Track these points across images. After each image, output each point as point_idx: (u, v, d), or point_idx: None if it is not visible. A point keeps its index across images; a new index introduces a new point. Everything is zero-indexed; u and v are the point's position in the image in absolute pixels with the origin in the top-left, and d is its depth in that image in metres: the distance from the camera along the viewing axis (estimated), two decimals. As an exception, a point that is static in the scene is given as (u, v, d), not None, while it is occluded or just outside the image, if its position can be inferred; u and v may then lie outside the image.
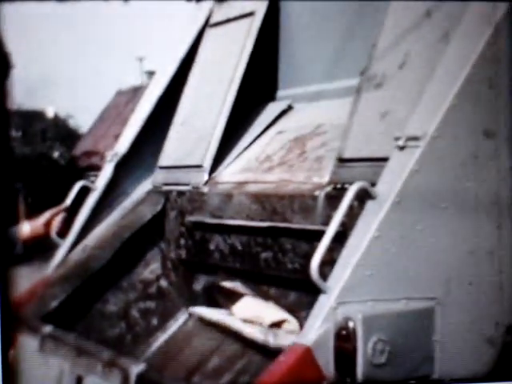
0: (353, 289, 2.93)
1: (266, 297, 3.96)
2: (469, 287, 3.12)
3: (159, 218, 4.62)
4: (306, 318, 3.03)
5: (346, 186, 3.22)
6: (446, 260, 3.09)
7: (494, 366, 3.14)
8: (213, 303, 4.30)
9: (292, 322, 3.65)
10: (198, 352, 4.08)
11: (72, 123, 28.61)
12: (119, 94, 25.68)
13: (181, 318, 4.51)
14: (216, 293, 4.30)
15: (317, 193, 3.55)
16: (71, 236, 4.64)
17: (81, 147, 24.17)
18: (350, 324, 2.89)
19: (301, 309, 3.65)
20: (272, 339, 3.53)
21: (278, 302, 3.87)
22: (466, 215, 3.11)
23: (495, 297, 3.17)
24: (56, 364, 3.86)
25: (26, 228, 4.33)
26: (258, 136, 4.44)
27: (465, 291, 3.11)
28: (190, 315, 4.44)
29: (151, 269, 4.66)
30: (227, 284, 4.18)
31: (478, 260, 3.14)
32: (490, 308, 3.16)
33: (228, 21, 4.75)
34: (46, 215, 4.42)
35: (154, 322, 4.57)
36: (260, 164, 4.20)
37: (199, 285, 4.47)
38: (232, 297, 4.14)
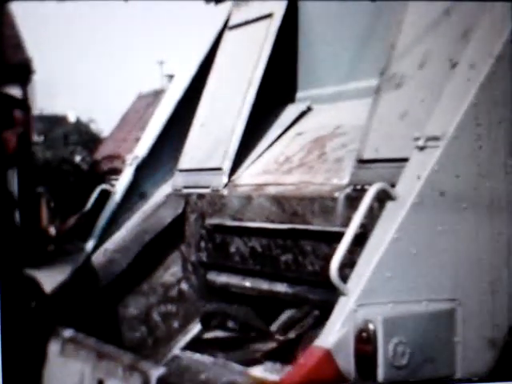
0: (373, 291, 2.91)
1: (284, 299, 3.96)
2: (488, 288, 3.09)
3: (179, 221, 4.62)
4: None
5: (366, 187, 3.20)
6: (466, 261, 3.06)
7: (500, 365, 3.12)
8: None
9: None
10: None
11: (94, 127, 28.74)
12: (140, 97, 25.76)
13: (202, 321, 4.50)
14: None
15: (336, 194, 3.53)
16: (92, 240, 4.65)
17: (102, 151, 24.25)
18: (371, 326, 2.87)
19: (320, 311, 3.64)
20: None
21: (297, 304, 3.87)
22: (486, 216, 3.08)
23: (507, 298, 3.14)
24: (77, 368, 3.86)
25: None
26: (278, 138, 4.43)
27: (485, 292, 3.08)
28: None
29: (172, 272, 4.66)
30: (209, 335, 4.15)
31: (497, 260, 3.11)
32: (502, 309, 3.13)
33: (247, 23, 4.74)
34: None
35: (175, 325, 4.56)
36: (279, 166, 4.18)
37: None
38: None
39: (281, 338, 3.82)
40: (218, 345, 4.08)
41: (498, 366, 3.09)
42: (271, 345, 3.85)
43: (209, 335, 4.24)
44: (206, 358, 4.08)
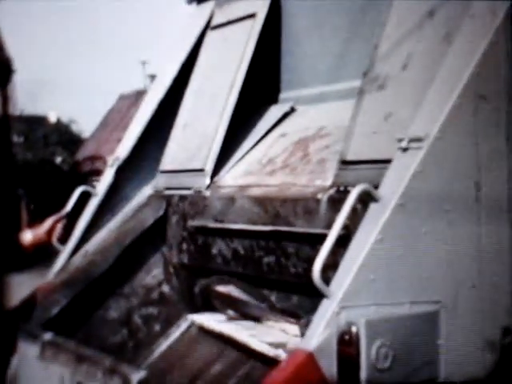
0: (356, 293, 2.89)
1: (267, 301, 3.94)
2: (473, 290, 3.08)
3: (161, 222, 4.59)
4: (307, 323, 2.99)
5: (349, 188, 3.18)
6: (450, 263, 3.05)
7: (493, 369, 3.10)
8: (209, 307, 4.27)
9: None
10: (199, 359, 4.05)
11: (75, 128, 28.61)
12: (122, 98, 25.64)
13: (183, 324, 4.48)
14: (212, 297, 4.27)
15: (320, 196, 3.51)
16: (72, 242, 4.61)
17: (84, 152, 24.15)
18: (353, 329, 2.85)
19: (303, 314, 3.62)
20: (272, 350, 3.50)
21: (280, 306, 3.85)
22: (470, 217, 3.07)
23: (497, 299, 3.13)
24: (56, 371, 3.83)
25: (29, 236, 4.32)
26: (261, 139, 4.41)
27: (469, 294, 3.07)
28: (192, 323, 4.41)
29: (153, 274, 4.63)
30: (221, 288, 4.16)
31: (482, 262, 3.10)
32: (492, 310, 3.12)
33: (229, 23, 4.71)
34: (48, 222, 4.40)
35: (156, 328, 4.54)
36: (262, 167, 4.16)
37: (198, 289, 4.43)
38: (227, 301, 4.12)
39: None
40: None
41: (495, 368, 3.07)
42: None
43: (221, 289, 4.19)
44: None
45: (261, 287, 3.98)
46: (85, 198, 4.69)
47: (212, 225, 4.18)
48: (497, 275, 3.12)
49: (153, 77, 21.82)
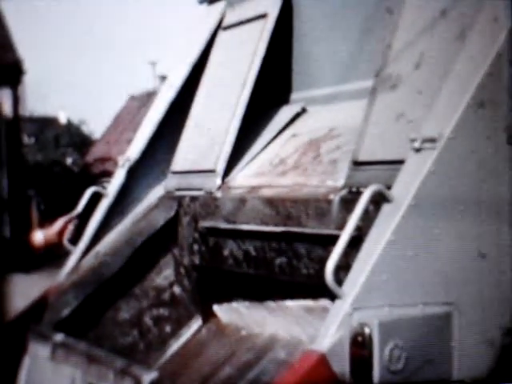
0: (368, 294, 2.88)
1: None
2: (480, 290, 3.06)
3: (172, 223, 4.58)
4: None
5: (362, 189, 3.16)
6: (463, 264, 3.03)
7: (495, 369, 3.09)
8: None
9: None
10: (211, 360, 4.04)
11: (85, 129, 28.72)
12: (132, 98, 25.74)
13: (194, 326, 4.47)
14: None
15: (331, 196, 3.50)
16: (83, 243, 4.61)
17: (94, 153, 24.25)
18: (366, 330, 2.84)
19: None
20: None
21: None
22: (484, 218, 3.05)
23: (499, 299, 3.11)
24: (68, 372, 3.83)
25: (40, 236, 4.32)
26: (272, 139, 4.40)
27: (477, 295, 3.06)
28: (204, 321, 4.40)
29: (164, 275, 4.62)
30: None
31: (495, 263, 3.08)
32: (494, 311, 3.10)
33: (241, 23, 4.70)
34: (59, 223, 4.40)
35: (167, 329, 4.53)
36: (274, 168, 4.15)
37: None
38: None
39: None
40: None
41: (497, 368, 3.06)
42: None
43: None
44: None
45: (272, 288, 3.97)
46: (96, 198, 4.70)
47: (223, 226, 4.17)
48: (500, 275, 3.11)
49: (163, 78, 21.86)
